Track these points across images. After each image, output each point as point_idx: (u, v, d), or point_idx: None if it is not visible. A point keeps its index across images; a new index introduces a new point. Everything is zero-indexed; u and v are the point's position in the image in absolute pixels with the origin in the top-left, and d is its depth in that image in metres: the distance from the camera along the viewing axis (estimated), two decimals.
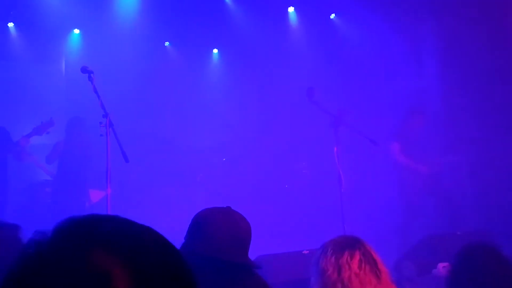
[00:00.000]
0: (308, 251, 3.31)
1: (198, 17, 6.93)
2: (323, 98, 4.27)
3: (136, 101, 6.60)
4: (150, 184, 6.19)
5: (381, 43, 6.50)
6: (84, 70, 3.67)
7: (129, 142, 4.09)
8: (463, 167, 5.72)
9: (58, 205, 5.14)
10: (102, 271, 0.55)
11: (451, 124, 5.89)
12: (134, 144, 4.85)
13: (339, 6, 7.04)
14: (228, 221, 1.71)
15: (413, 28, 6.46)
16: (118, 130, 3.65)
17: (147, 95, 6.85)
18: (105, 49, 6.52)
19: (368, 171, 6.04)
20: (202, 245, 1.65)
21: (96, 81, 3.68)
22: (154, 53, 7.16)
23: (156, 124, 6.73)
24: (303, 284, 3.23)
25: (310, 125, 6.15)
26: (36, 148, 5.42)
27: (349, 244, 1.65)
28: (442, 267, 3.26)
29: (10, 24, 6.65)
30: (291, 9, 7.39)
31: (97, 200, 5.30)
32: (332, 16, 7.29)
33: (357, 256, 1.60)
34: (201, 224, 1.71)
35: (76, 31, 7.00)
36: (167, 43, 7.59)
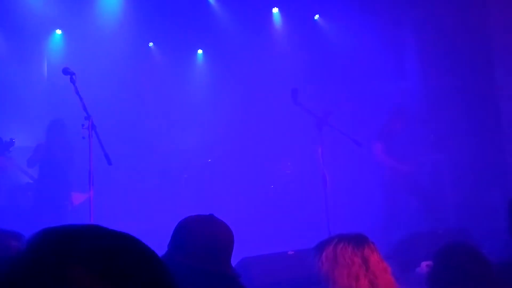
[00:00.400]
0: (293, 252, 3.32)
1: (182, 17, 6.90)
2: (307, 99, 4.30)
3: (120, 103, 6.54)
4: (134, 186, 6.14)
5: (364, 44, 6.57)
6: (65, 71, 3.62)
7: (113, 144, 4.06)
8: (444, 166, 5.81)
9: (40, 208, 5.07)
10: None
11: (432, 124, 5.98)
12: (117, 146, 4.80)
13: (323, 7, 7.09)
14: (210, 229, 1.71)
15: (395, 29, 6.54)
16: (101, 132, 3.61)
17: (130, 96, 6.79)
18: (88, 50, 6.44)
19: (352, 171, 6.09)
20: (184, 254, 1.64)
21: (79, 82, 3.64)
22: (137, 54, 7.11)
23: (140, 125, 6.68)
24: (288, 285, 3.25)
25: (295, 126, 6.18)
26: (16, 151, 5.33)
27: (361, 239, 1.79)
28: (425, 265, 3.31)
29: None
30: (275, 10, 7.41)
31: (80, 202, 5.24)
32: (316, 17, 7.33)
33: (373, 247, 1.77)
34: (184, 233, 1.70)
35: (58, 31, 6.91)
36: (151, 44, 7.55)
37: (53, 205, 5.03)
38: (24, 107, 6.45)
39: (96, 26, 6.65)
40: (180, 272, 1.54)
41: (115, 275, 0.56)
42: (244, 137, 6.84)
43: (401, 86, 6.42)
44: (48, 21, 6.49)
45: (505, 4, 5.46)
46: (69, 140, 5.10)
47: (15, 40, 6.52)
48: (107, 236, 0.60)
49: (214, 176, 6.76)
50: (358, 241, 1.75)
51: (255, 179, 6.75)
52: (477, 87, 5.66)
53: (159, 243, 1.37)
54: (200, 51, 7.84)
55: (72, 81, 3.60)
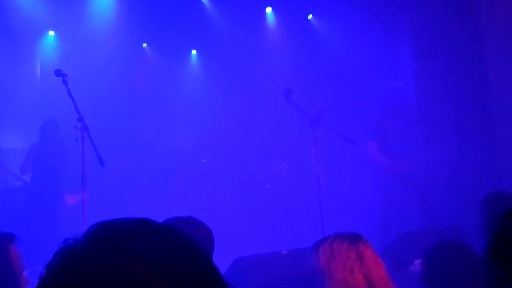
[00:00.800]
0: (287, 252, 3.33)
1: (176, 18, 6.89)
2: (301, 99, 4.30)
3: (113, 104, 6.51)
4: (127, 188, 6.13)
5: (357, 43, 6.58)
6: (58, 73, 3.61)
7: (106, 145, 4.05)
8: (438, 165, 5.84)
9: (33, 210, 5.04)
10: (143, 283, 0.55)
11: (426, 123, 6.01)
12: (110, 148, 4.79)
13: (316, 6, 7.11)
14: (188, 231, 1.70)
15: (389, 28, 6.56)
16: (95, 134, 3.60)
17: (124, 97, 6.77)
18: (81, 51, 6.42)
19: (346, 170, 6.11)
20: None
21: (72, 84, 3.63)
22: (131, 54, 7.09)
23: (133, 126, 6.66)
24: (283, 285, 3.25)
25: (289, 126, 6.18)
26: (9, 153, 5.31)
27: (356, 236, 1.89)
28: (418, 263, 3.33)
29: None
30: (268, 10, 7.42)
31: (73, 204, 5.22)
32: (310, 16, 7.35)
33: (367, 243, 1.86)
34: None
35: (51, 32, 6.88)
36: (144, 45, 7.53)
37: (46, 206, 5.01)
38: (17, 108, 6.41)
39: (89, 27, 6.63)
40: None
41: (172, 269, 0.58)
42: (238, 137, 6.84)
43: (394, 85, 6.45)
44: (41, 22, 6.46)
45: (497, 5, 5.50)
46: (62, 141, 5.07)
47: (8, 41, 6.48)
48: (159, 231, 0.62)
49: (209, 177, 6.76)
50: (353, 238, 1.84)
51: (250, 179, 6.76)
52: (470, 87, 5.70)
53: None
54: (194, 52, 7.83)
55: (65, 82, 3.59)
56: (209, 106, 7.18)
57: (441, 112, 5.89)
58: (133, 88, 6.93)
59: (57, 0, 6.33)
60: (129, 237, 0.59)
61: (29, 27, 6.35)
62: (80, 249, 0.58)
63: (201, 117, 7.09)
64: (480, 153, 5.45)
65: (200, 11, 7.13)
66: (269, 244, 4.62)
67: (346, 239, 1.82)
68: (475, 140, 5.54)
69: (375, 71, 6.51)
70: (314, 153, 4.10)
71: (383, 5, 6.39)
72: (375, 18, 6.50)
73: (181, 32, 7.08)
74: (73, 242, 0.59)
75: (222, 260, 1.81)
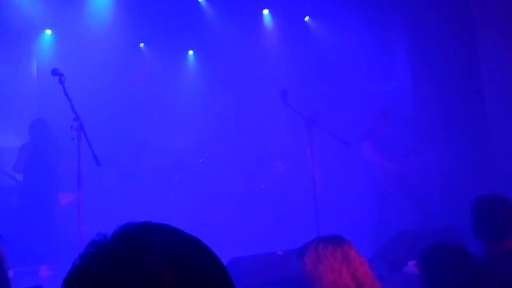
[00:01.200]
0: (282, 252, 3.34)
1: (173, 18, 6.89)
2: (297, 100, 4.32)
3: (110, 103, 6.51)
4: (123, 188, 6.12)
5: (353, 45, 6.62)
6: (54, 72, 3.61)
7: (102, 145, 4.05)
8: (433, 166, 5.88)
9: (27, 209, 5.02)
10: (155, 273, 0.64)
11: (421, 124, 6.04)
12: (106, 148, 4.79)
13: (313, 8, 7.13)
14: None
15: (385, 30, 6.60)
16: (90, 133, 3.60)
17: (121, 97, 6.76)
18: (78, 50, 6.41)
19: (342, 171, 6.14)
20: None
21: (68, 83, 3.63)
22: (128, 54, 7.08)
23: (130, 126, 6.66)
24: (278, 285, 3.26)
25: (285, 127, 6.20)
26: (4, 152, 5.29)
27: (339, 238, 1.93)
28: (412, 265, 3.35)
29: None
30: (265, 12, 7.43)
31: (67, 203, 5.21)
32: (306, 18, 7.37)
33: (350, 244, 1.90)
34: None
35: (48, 31, 6.86)
36: (141, 44, 7.53)
37: (40, 205, 4.99)
38: (13, 107, 6.40)
39: (86, 26, 6.62)
40: None
41: (182, 265, 0.66)
42: (235, 137, 6.86)
43: (390, 87, 6.49)
44: (37, 21, 6.44)
45: (490, 7, 5.54)
46: (54, 139, 5.06)
47: (4, 40, 6.46)
48: (178, 233, 0.71)
49: (205, 177, 6.76)
50: (336, 240, 1.87)
51: (246, 179, 6.77)
52: (464, 88, 5.74)
53: None
54: (191, 52, 7.84)
55: (61, 82, 3.59)
56: (206, 106, 7.19)
57: (435, 113, 5.93)
58: (130, 88, 6.92)
59: None
60: (149, 234, 0.69)
61: (26, 26, 6.33)
62: (106, 241, 0.69)
63: (197, 117, 7.10)
64: (474, 154, 5.49)
65: (197, 12, 7.14)
66: (264, 244, 4.63)
67: (330, 242, 1.87)
68: (469, 141, 5.58)
69: (370, 73, 6.55)
70: (310, 153, 4.12)
71: (379, 8, 6.43)
72: (371, 20, 6.54)
73: (178, 32, 7.09)
74: (103, 237, 0.69)
75: None
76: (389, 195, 5.51)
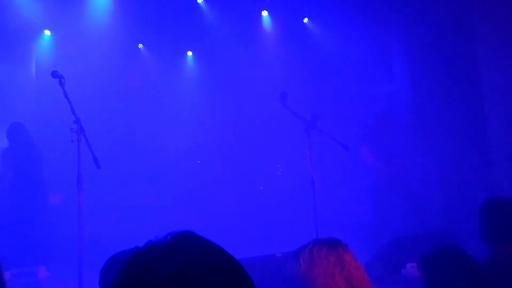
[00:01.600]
0: (281, 254, 3.35)
1: (172, 19, 6.90)
2: (296, 103, 4.33)
3: (109, 104, 6.51)
4: (123, 190, 6.12)
5: (352, 47, 6.63)
6: (54, 74, 3.61)
7: (102, 147, 4.05)
8: (431, 168, 5.90)
9: (20, 212, 5.00)
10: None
11: (419, 127, 6.06)
12: (106, 149, 4.79)
13: (312, 10, 7.14)
14: None
15: (383, 32, 6.61)
16: (90, 135, 3.60)
17: (120, 98, 6.77)
18: (77, 51, 6.41)
19: (340, 173, 6.15)
20: None
21: (68, 84, 3.63)
22: (127, 55, 7.08)
23: (129, 128, 6.66)
24: (277, 287, 3.27)
25: (284, 129, 6.21)
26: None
27: (335, 241, 1.93)
28: (410, 267, 3.37)
29: None
30: (264, 13, 7.45)
31: (57, 202, 5.21)
32: (305, 20, 7.38)
33: (346, 248, 1.90)
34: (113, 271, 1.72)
35: (47, 32, 6.86)
36: (140, 45, 7.53)
37: (31, 207, 4.98)
38: (12, 108, 6.39)
39: (85, 27, 6.61)
40: None
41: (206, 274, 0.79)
42: (234, 139, 6.86)
43: (388, 90, 6.51)
44: (36, 22, 6.44)
45: (489, 7, 5.57)
46: (31, 140, 5.10)
47: (3, 41, 6.46)
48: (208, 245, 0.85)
49: (204, 178, 6.77)
50: (332, 243, 1.88)
51: (245, 180, 6.78)
52: (463, 90, 5.76)
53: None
54: (189, 53, 7.84)
55: (61, 84, 3.59)
56: (204, 108, 7.20)
57: (434, 116, 5.94)
58: (129, 89, 6.92)
59: None
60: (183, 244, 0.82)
61: (25, 27, 6.33)
62: (163, 245, 0.81)
63: (196, 118, 7.10)
64: (473, 156, 5.51)
65: (196, 13, 7.15)
66: (262, 246, 4.64)
67: (325, 245, 1.87)
68: (467, 143, 5.60)
69: (369, 75, 6.56)
70: (309, 156, 4.13)
71: (377, 10, 6.44)
72: (370, 22, 6.55)
73: (177, 33, 7.09)
74: (157, 241, 0.82)
75: None
76: (387, 198, 5.52)
